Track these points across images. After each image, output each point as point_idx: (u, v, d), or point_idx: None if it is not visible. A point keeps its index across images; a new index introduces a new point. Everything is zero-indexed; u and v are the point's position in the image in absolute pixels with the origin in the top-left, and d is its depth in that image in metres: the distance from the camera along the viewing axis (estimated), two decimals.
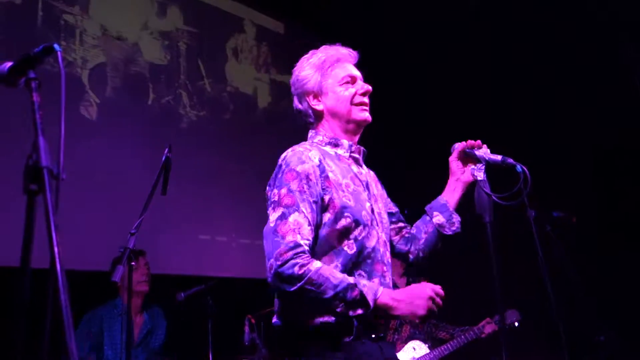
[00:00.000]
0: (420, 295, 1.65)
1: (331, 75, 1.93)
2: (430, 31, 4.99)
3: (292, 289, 1.62)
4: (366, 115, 1.92)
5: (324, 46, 2.01)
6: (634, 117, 4.42)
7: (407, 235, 2.09)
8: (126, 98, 4.46)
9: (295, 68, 2.02)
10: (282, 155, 1.85)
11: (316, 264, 1.64)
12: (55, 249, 1.00)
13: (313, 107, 1.94)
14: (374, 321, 1.73)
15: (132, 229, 2.55)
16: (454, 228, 2.06)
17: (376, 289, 1.65)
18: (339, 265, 1.73)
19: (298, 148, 1.85)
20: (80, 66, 4.22)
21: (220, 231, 4.82)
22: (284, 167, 1.81)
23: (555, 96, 4.83)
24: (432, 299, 1.65)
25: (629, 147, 4.52)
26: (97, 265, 3.59)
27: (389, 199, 2.12)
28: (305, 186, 1.73)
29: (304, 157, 1.79)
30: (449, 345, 3.90)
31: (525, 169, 1.89)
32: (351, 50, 2.00)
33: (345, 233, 1.75)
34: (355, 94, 1.92)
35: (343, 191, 1.79)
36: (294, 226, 1.67)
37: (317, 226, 1.74)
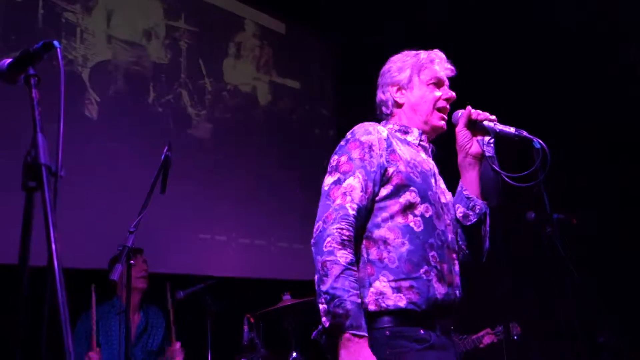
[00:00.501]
0: None
1: (422, 73, 1.90)
2: (431, 31, 4.98)
3: (314, 253, 1.64)
4: (443, 123, 1.90)
5: (423, 50, 1.97)
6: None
7: None
8: (127, 96, 4.46)
9: (389, 60, 1.99)
10: (351, 129, 1.84)
11: (346, 257, 1.59)
12: (53, 247, 0.99)
13: (395, 98, 1.92)
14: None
15: (131, 227, 2.54)
16: (477, 211, 1.87)
17: (363, 329, 1.55)
18: (407, 243, 1.67)
19: (368, 123, 1.83)
20: (81, 64, 4.22)
21: (220, 230, 4.82)
22: (349, 137, 1.80)
23: (558, 92, 4.82)
24: None
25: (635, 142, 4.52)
26: (96, 264, 3.58)
27: None
28: (367, 155, 1.71)
29: (371, 128, 1.78)
30: None
31: (544, 144, 1.68)
32: (451, 64, 1.95)
33: (409, 207, 1.70)
34: (439, 98, 1.89)
35: (411, 168, 1.75)
36: (346, 189, 1.67)
37: (376, 197, 1.71)
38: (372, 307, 1.63)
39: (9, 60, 1.33)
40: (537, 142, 1.68)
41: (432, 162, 1.91)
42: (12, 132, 3.57)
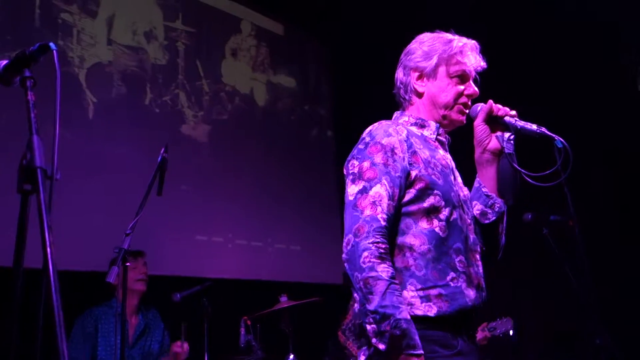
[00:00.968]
0: None
1: (450, 64, 1.78)
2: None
3: (349, 269, 1.56)
4: (463, 117, 1.81)
5: (458, 36, 1.83)
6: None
7: None
8: (123, 97, 4.45)
9: (417, 38, 1.87)
10: (367, 129, 1.75)
11: (388, 270, 1.53)
12: (48, 250, 0.99)
13: (415, 85, 1.81)
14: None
15: (127, 229, 2.54)
16: (496, 209, 1.80)
17: (419, 347, 1.49)
18: (433, 249, 1.61)
19: (385, 122, 1.76)
20: (77, 65, 4.21)
21: (217, 232, 4.81)
22: (368, 139, 1.70)
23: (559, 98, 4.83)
24: None
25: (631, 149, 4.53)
26: (94, 266, 3.57)
27: None
28: (390, 159, 1.64)
29: (390, 129, 1.70)
30: None
31: (566, 143, 1.60)
32: (481, 57, 1.83)
33: (434, 212, 1.64)
34: (462, 92, 1.79)
35: (432, 169, 1.68)
36: (374, 198, 1.59)
37: (401, 202, 1.64)
38: None
39: (5, 61, 1.33)
40: (560, 140, 1.61)
41: (449, 156, 1.84)
42: (7, 134, 3.56)
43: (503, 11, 4.69)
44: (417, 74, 1.81)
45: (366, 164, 1.66)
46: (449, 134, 1.89)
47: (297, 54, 5.93)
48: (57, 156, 1.20)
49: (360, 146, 1.71)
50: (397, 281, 1.55)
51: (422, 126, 1.81)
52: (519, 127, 1.72)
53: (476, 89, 1.81)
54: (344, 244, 1.60)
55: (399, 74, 1.86)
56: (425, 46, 1.81)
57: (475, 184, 1.85)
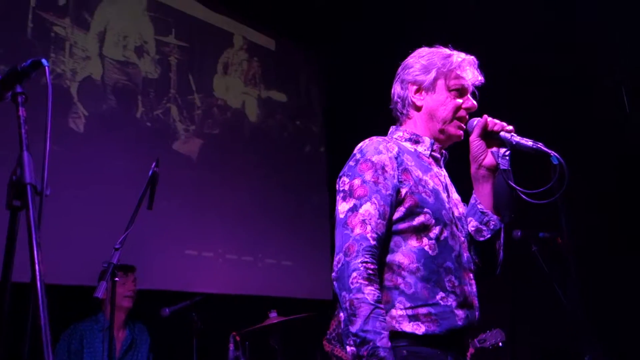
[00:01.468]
0: None
1: (448, 77, 1.78)
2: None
3: (337, 288, 1.55)
4: (460, 132, 1.80)
5: (456, 51, 1.83)
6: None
7: None
8: (115, 111, 4.45)
9: (415, 52, 1.87)
10: (358, 145, 1.73)
11: (374, 294, 1.53)
12: (37, 267, 0.98)
13: (413, 99, 1.81)
14: None
15: (116, 244, 2.53)
16: (491, 227, 1.77)
17: None
18: (422, 268, 1.60)
19: (376, 139, 1.73)
20: (69, 78, 4.21)
21: (207, 246, 4.79)
22: (358, 156, 1.70)
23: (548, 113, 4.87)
24: None
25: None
26: (82, 280, 3.54)
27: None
28: (381, 177, 1.64)
29: (381, 147, 1.69)
30: None
31: (562, 160, 1.57)
32: (479, 72, 1.82)
33: (424, 230, 1.63)
34: (460, 106, 1.78)
35: (423, 187, 1.67)
36: (364, 217, 1.59)
37: (391, 220, 1.63)
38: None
39: None
40: (555, 157, 1.58)
41: (443, 172, 1.83)
42: None
43: (494, 34, 4.74)
44: (415, 87, 1.81)
45: (357, 182, 1.65)
46: (447, 149, 1.88)
47: (289, 69, 5.96)
48: (48, 170, 1.20)
49: (351, 163, 1.71)
50: (382, 305, 1.54)
51: (416, 142, 1.80)
52: (514, 142, 1.69)
53: (474, 102, 1.80)
54: (335, 262, 1.60)
55: (397, 88, 1.85)
56: (424, 60, 1.81)
57: (471, 200, 1.82)
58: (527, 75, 4.89)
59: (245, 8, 5.49)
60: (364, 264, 1.55)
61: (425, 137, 1.80)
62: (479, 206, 1.78)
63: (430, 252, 1.63)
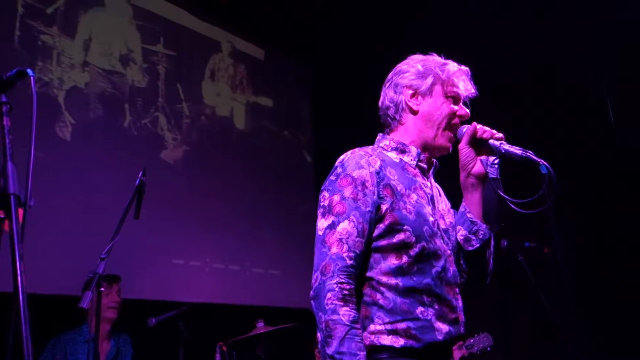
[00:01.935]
0: None
1: (445, 84, 1.77)
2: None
3: (314, 307, 1.55)
4: (449, 145, 1.78)
5: (450, 60, 1.83)
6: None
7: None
8: (102, 119, 4.43)
9: (407, 59, 1.84)
10: (340, 157, 1.71)
11: (349, 314, 1.52)
12: (19, 279, 0.97)
13: (409, 103, 1.77)
14: None
15: (102, 253, 2.51)
16: (480, 236, 1.75)
17: None
18: (401, 284, 1.59)
19: (358, 151, 1.70)
20: (56, 87, 4.19)
21: (194, 256, 4.77)
22: (339, 170, 1.67)
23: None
24: None
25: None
26: (68, 290, 3.51)
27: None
28: (360, 193, 1.61)
29: (362, 161, 1.66)
30: None
31: (551, 169, 1.57)
32: (472, 86, 1.81)
33: (404, 247, 1.61)
34: (455, 112, 1.76)
35: (404, 202, 1.64)
36: (342, 235, 1.58)
37: (370, 237, 1.61)
38: (368, 345, 1.56)
39: None
40: (545, 166, 1.56)
41: (430, 183, 1.80)
42: None
43: (478, 43, 4.78)
44: (411, 91, 1.78)
45: (336, 198, 1.63)
46: (438, 158, 1.85)
47: (277, 78, 5.97)
48: (32, 180, 1.20)
49: (332, 177, 1.69)
50: (358, 325, 1.53)
51: (402, 151, 1.77)
52: (503, 150, 1.67)
53: (467, 111, 1.79)
54: (312, 281, 1.59)
55: (389, 93, 1.82)
56: (420, 66, 1.79)
57: (461, 209, 1.80)
58: (513, 86, 4.94)
59: (233, 17, 5.50)
60: (339, 285, 1.53)
61: (412, 146, 1.77)
62: (468, 215, 1.76)
63: (410, 269, 1.61)
